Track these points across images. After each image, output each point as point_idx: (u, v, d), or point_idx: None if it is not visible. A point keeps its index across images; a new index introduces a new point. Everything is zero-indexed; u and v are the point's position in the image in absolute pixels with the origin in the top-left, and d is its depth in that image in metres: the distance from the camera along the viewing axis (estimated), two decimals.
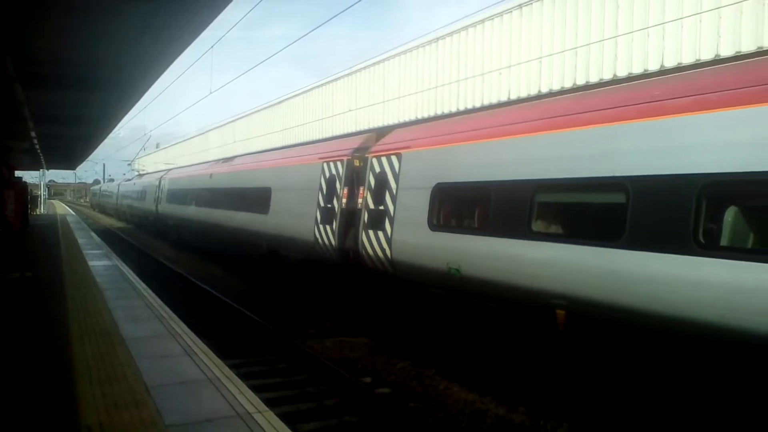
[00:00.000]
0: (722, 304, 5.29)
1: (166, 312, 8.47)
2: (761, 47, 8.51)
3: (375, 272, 10.90)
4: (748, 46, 8.69)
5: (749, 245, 5.49)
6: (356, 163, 11.91)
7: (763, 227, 5.48)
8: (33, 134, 17.21)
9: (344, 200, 12.02)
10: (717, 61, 8.82)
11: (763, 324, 5.00)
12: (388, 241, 10.28)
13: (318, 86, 22.27)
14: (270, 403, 5.81)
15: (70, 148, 23.65)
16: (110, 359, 5.98)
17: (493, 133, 8.52)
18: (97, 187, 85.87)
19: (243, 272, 18.85)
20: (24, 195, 24.93)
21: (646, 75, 9.83)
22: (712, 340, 5.46)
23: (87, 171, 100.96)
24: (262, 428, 4.35)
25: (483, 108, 13.13)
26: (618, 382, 6.83)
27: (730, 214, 5.56)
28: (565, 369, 7.46)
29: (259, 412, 4.69)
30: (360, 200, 11.46)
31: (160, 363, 5.91)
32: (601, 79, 10.79)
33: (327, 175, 12.91)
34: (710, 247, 5.51)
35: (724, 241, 5.54)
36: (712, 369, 5.72)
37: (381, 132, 12.76)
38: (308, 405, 7.77)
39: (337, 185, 12.37)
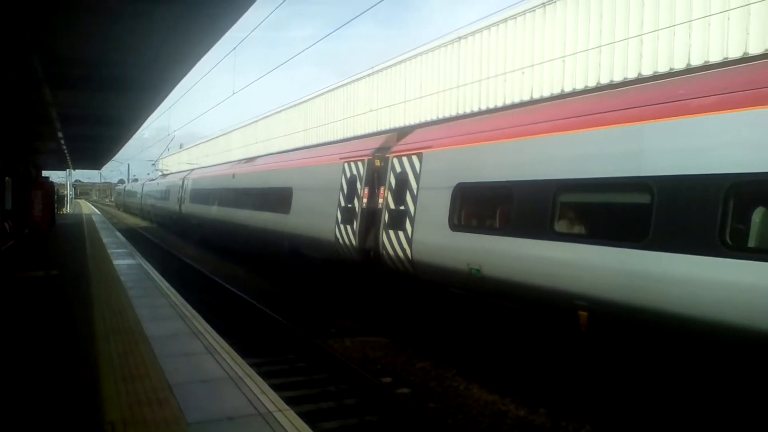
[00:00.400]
0: (749, 307, 5.18)
1: (188, 311, 8.56)
2: None
3: (395, 272, 10.89)
4: None
5: None
6: (377, 163, 11.91)
7: None
8: (60, 135, 17.50)
9: (365, 200, 12.03)
10: (745, 59, 8.64)
11: None
12: (409, 241, 10.27)
13: (339, 86, 22.33)
14: (291, 401, 5.83)
15: (96, 149, 23.99)
16: (134, 357, 6.06)
17: (516, 132, 8.46)
18: (121, 186, 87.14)
19: (265, 271, 18.97)
20: (51, 195, 25.42)
21: (671, 74, 9.67)
22: (738, 343, 5.35)
23: (112, 171, 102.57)
24: (283, 427, 4.37)
25: (505, 107, 13.04)
26: (640, 383, 6.73)
27: (757, 215, 5.44)
28: (587, 370, 7.37)
29: (280, 410, 4.71)
30: (381, 200, 11.46)
31: (182, 361, 5.98)
32: (625, 78, 10.64)
33: (348, 175, 12.94)
34: (737, 249, 5.40)
35: (751, 242, 5.42)
36: (737, 371, 5.61)
37: (402, 132, 12.75)
38: (329, 404, 7.79)
39: (358, 185, 12.38)
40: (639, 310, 6.17)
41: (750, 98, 5.55)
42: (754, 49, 8.76)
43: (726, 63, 8.88)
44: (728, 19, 9.08)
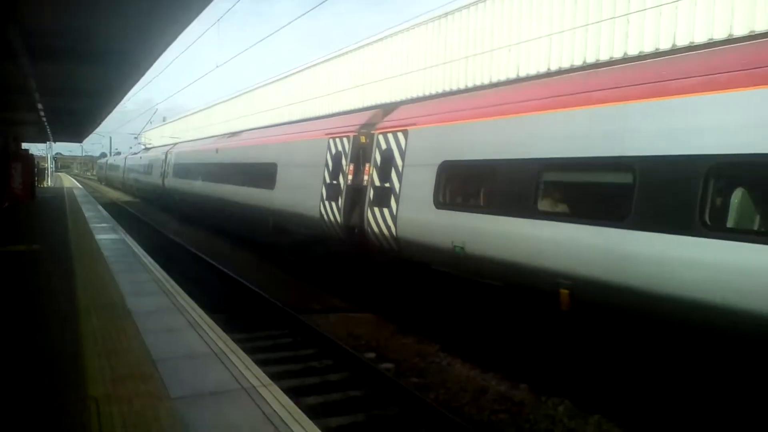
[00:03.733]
0: (727, 286, 5.29)
1: (172, 286, 8.53)
2: None
3: (380, 249, 10.92)
4: (762, 26, 8.54)
5: (755, 227, 5.46)
6: (362, 139, 11.86)
7: None
8: (39, 107, 17.15)
9: (350, 177, 12.00)
10: (730, 40, 8.67)
11: (765, 305, 5.00)
12: (394, 218, 10.28)
13: (325, 61, 22.08)
14: (275, 377, 5.87)
15: (77, 121, 23.56)
16: (117, 332, 6.04)
17: (501, 111, 8.46)
18: (103, 160, 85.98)
19: (249, 247, 18.93)
20: (31, 167, 25.02)
21: (657, 54, 9.68)
22: (715, 322, 5.47)
23: (94, 144, 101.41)
24: (267, 402, 4.40)
25: (491, 85, 13.00)
26: (620, 361, 6.87)
27: (736, 196, 5.52)
28: (567, 347, 7.50)
29: (264, 385, 4.74)
30: (366, 177, 11.44)
31: (166, 336, 5.97)
32: (611, 58, 10.63)
33: (333, 151, 12.88)
34: (716, 229, 5.48)
35: (730, 223, 5.51)
36: (715, 349, 5.74)
37: (388, 108, 12.68)
38: (313, 380, 7.87)
39: (343, 161, 12.34)
40: (619, 288, 6.26)
41: (731, 80, 5.59)
42: (739, 31, 8.79)
43: (711, 44, 8.91)
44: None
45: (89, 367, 5.03)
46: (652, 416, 6.66)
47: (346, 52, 20.37)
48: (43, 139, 37.94)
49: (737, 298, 5.21)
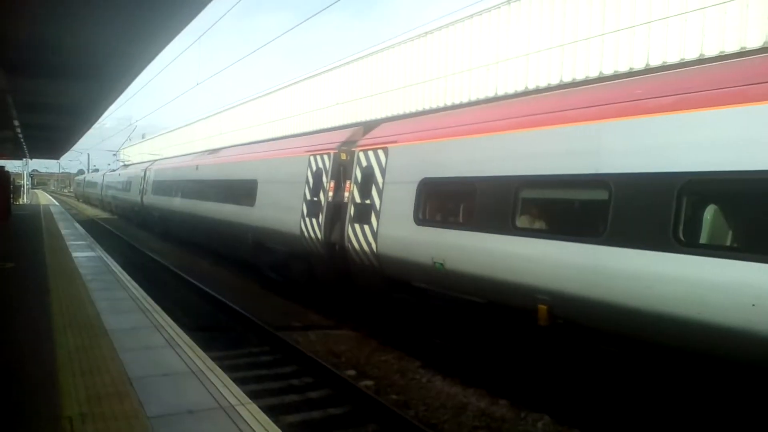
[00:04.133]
0: (700, 301, 5.38)
1: (149, 304, 8.44)
2: (744, 48, 8.61)
3: (360, 266, 10.92)
4: (732, 47, 8.79)
5: (728, 243, 5.58)
6: (343, 156, 11.90)
7: (742, 225, 5.59)
8: (16, 123, 16.99)
9: (330, 193, 12.01)
10: (702, 60, 8.91)
11: (738, 320, 5.10)
12: (374, 234, 10.31)
13: (306, 79, 22.18)
14: (254, 395, 5.83)
15: (54, 138, 23.37)
16: (93, 351, 5.96)
17: (479, 129, 8.57)
18: (81, 177, 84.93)
19: (229, 264, 18.79)
20: (6, 184, 24.63)
21: (632, 73, 9.91)
22: (690, 336, 5.55)
23: (71, 161, 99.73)
24: (245, 420, 4.37)
25: (470, 103, 13.17)
26: (598, 376, 6.92)
27: (709, 213, 5.65)
28: (546, 363, 7.54)
29: (242, 404, 4.70)
30: (346, 194, 11.47)
31: (143, 355, 5.90)
32: (587, 77, 10.86)
33: (314, 168, 12.90)
34: (689, 245, 5.59)
35: (703, 239, 5.63)
36: (689, 362, 5.82)
37: (368, 126, 12.76)
38: (292, 398, 7.80)
39: (324, 178, 12.36)
40: (596, 304, 6.33)
41: (703, 100, 5.74)
42: (710, 52, 9.04)
43: (683, 64, 9.15)
44: (686, 21, 9.35)
45: (64, 386, 4.95)
46: (632, 430, 6.71)
47: (328, 70, 20.50)
48: (19, 156, 37.47)
49: (711, 313, 5.30)
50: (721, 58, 8.64)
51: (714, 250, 5.47)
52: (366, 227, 10.57)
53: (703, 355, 5.60)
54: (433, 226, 9.13)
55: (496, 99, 12.39)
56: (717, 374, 5.62)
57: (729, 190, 5.56)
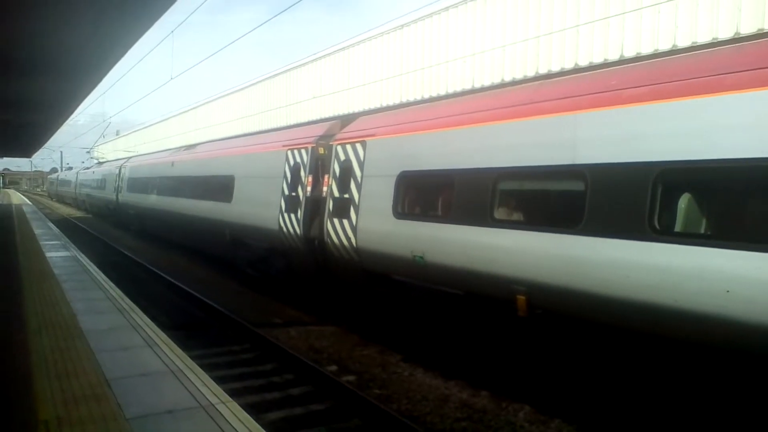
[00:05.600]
0: (676, 288, 5.46)
1: (126, 303, 8.32)
2: (716, 38, 8.72)
3: (340, 260, 10.89)
4: (703, 37, 8.90)
5: (702, 231, 5.67)
6: (321, 150, 11.83)
7: (715, 213, 5.67)
8: None
9: (309, 188, 11.95)
10: (674, 51, 9.01)
11: (713, 307, 5.18)
12: (353, 229, 10.28)
13: (282, 72, 21.98)
14: (234, 393, 5.79)
15: (25, 135, 22.87)
16: (69, 353, 5.85)
17: (456, 121, 8.57)
18: (54, 175, 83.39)
19: (206, 262, 18.62)
20: None
21: (606, 64, 9.98)
22: (666, 323, 5.63)
23: (44, 159, 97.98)
24: (226, 419, 4.33)
25: (447, 96, 13.16)
26: (578, 365, 7.00)
27: (683, 201, 5.72)
28: (526, 353, 7.60)
29: (223, 402, 4.65)
30: (325, 188, 11.42)
31: (120, 355, 5.82)
32: (562, 68, 10.91)
33: (291, 162, 12.81)
34: (665, 233, 5.66)
35: (678, 227, 5.70)
36: (667, 350, 5.91)
37: (346, 119, 12.70)
38: (273, 395, 7.76)
39: (302, 173, 12.29)
40: (574, 293, 6.39)
41: (676, 89, 5.81)
42: (683, 42, 9.14)
43: (656, 54, 9.24)
44: (659, 12, 9.43)
45: (39, 389, 4.86)
46: (611, 420, 6.80)
47: (304, 63, 20.33)
48: None
49: (686, 300, 5.38)
50: (693, 48, 8.75)
51: (688, 237, 5.55)
52: (345, 221, 10.53)
53: (680, 341, 5.68)
54: (413, 219, 9.13)
55: (473, 91, 12.40)
56: (696, 361, 5.71)
57: (703, 178, 5.64)
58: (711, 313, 5.20)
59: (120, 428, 4.12)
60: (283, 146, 13.37)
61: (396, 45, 15.51)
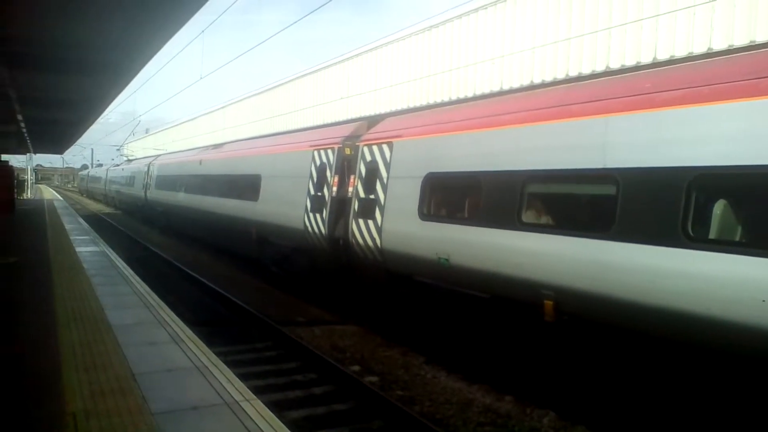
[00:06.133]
0: (709, 297, 5.32)
1: (153, 299, 8.41)
2: (753, 41, 8.51)
3: (365, 261, 10.88)
4: (740, 40, 8.69)
5: (737, 238, 5.51)
6: (347, 151, 11.84)
7: (752, 220, 5.51)
8: (20, 117, 16.97)
9: (335, 188, 11.97)
10: (709, 54, 8.82)
11: (748, 316, 5.04)
12: (378, 230, 10.26)
13: (310, 73, 22.10)
14: (258, 391, 5.80)
15: (58, 133, 23.35)
16: (96, 346, 5.93)
17: (485, 123, 8.50)
18: (85, 172, 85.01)
19: (232, 259, 18.77)
20: (10, 179, 24.63)
21: (638, 67, 9.82)
22: (699, 332, 5.49)
23: (75, 156, 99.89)
24: (250, 416, 4.33)
25: (475, 98, 13.08)
26: (604, 372, 6.87)
27: (718, 208, 5.58)
28: (552, 359, 7.49)
29: (247, 400, 4.66)
30: (350, 189, 11.42)
31: (146, 350, 5.87)
32: (593, 71, 10.76)
33: (318, 162, 12.85)
34: (698, 240, 5.53)
35: (712, 234, 5.56)
36: (698, 359, 5.77)
37: (372, 120, 12.69)
38: (296, 393, 7.78)
39: (328, 173, 12.31)
40: (603, 299, 6.28)
41: (712, 93, 5.67)
42: (718, 45, 8.94)
43: (690, 58, 9.05)
44: (694, 14, 9.24)
45: (68, 381, 4.92)
46: (638, 427, 6.66)
47: (332, 64, 20.41)
48: (23, 151, 37.52)
49: (721, 309, 5.24)
50: (729, 51, 8.55)
51: (723, 245, 5.40)
52: (370, 222, 10.52)
53: (711, 351, 5.54)
54: (438, 221, 9.08)
55: (501, 93, 12.30)
56: (728, 371, 5.56)
57: (739, 184, 5.49)
58: (745, 323, 5.06)
59: (146, 422, 4.15)
60: (310, 146, 13.42)
61: (424, 46, 15.47)
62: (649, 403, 6.50)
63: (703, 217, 5.62)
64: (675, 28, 9.51)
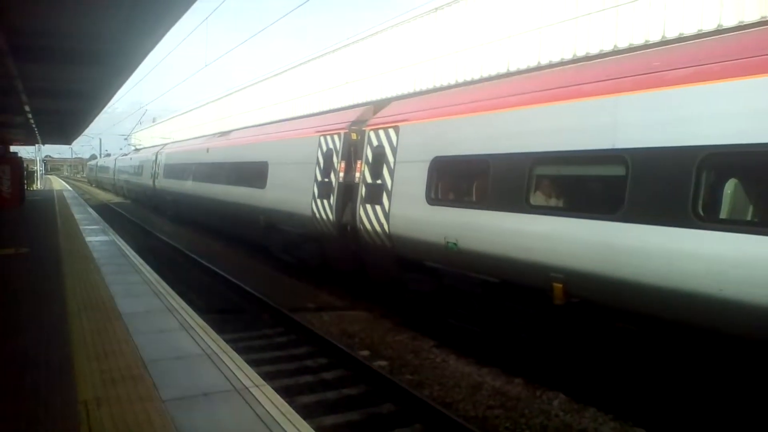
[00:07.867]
0: (721, 277, 5.27)
1: (163, 287, 8.45)
2: (764, 17, 8.35)
3: (373, 246, 10.87)
4: (751, 16, 8.54)
5: (748, 218, 5.45)
6: (353, 136, 11.80)
7: (762, 199, 5.44)
8: (27, 108, 16.98)
9: (341, 174, 11.94)
10: (719, 31, 8.67)
11: (762, 297, 4.99)
12: (386, 215, 10.23)
13: (315, 58, 21.98)
14: (268, 377, 5.83)
15: (66, 123, 23.37)
16: (107, 334, 5.97)
17: (491, 105, 8.42)
18: (93, 162, 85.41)
19: (240, 246, 18.84)
20: (20, 170, 24.76)
21: (647, 46, 9.67)
22: (711, 314, 5.45)
23: (83, 146, 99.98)
24: (260, 402, 4.35)
25: (482, 80, 12.96)
26: (614, 354, 6.85)
27: (729, 187, 5.50)
28: (562, 342, 7.47)
29: (257, 386, 4.68)
30: (357, 174, 11.38)
31: (157, 338, 5.90)
32: (601, 50, 10.62)
33: (324, 148, 12.81)
34: (709, 220, 5.46)
35: (723, 214, 5.49)
36: (710, 340, 5.73)
37: (378, 105, 12.61)
38: (306, 379, 7.81)
39: (335, 159, 12.28)
40: (612, 281, 6.24)
41: (722, 71, 5.57)
42: (728, 22, 8.79)
43: (700, 35, 8.91)
44: None
45: (79, 369, 4.96)
46: (648, 409, 6.65)
47: (337, 49, 20.29)
48: (31, 142, 37.66)
49: (733, 290, 5.19)
50: (740, 28, 8.40)
51: (735, 225, 5.34)
52: (378, 207, 10.49)
53: (723, 332, 5.50)
54: (446, 206, 9.03)
55: (508, 75, 12.18)
56: (740, 352, 5.52)
57: (750, 163, 5.41)
58: (759, 303, 5.01)
59: (157, 410, 4.17)
60: (316, 132, 13.37)
61: (430, 29, 15.32)
62: (660, 385, 6.48)
63: (713, 197, 5.55)
64: (684, 5, 9.35)
